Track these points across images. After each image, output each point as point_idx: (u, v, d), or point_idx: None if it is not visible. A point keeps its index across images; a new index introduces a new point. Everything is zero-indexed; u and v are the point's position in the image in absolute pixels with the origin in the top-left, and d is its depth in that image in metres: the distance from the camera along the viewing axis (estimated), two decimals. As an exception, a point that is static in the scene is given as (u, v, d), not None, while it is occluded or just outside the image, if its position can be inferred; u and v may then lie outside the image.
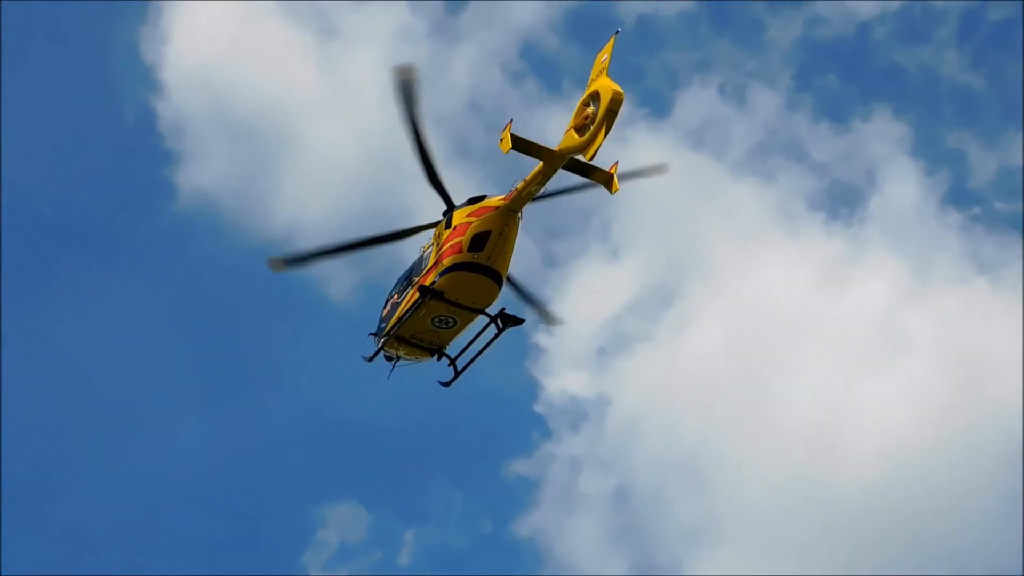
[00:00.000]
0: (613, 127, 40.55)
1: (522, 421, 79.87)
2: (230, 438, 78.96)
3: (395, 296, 45.66)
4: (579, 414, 78.66)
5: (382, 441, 79.74)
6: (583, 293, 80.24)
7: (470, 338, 45.23)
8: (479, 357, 45.33)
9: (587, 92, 40.91)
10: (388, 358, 46.46)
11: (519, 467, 78.66)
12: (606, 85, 40.34)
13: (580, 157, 41.41)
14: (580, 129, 40.82)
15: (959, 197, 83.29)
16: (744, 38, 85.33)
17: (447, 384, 45.98)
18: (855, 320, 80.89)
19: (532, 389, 79.33)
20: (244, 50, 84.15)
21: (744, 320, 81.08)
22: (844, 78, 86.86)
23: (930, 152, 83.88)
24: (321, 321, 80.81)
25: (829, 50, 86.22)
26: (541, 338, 79.14)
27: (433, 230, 44.68)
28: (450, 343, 45.45)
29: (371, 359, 46.15)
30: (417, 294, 43.80)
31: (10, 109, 79.87)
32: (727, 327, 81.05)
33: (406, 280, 45.40)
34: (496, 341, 44.78)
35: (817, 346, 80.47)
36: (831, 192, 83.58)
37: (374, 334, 46.13)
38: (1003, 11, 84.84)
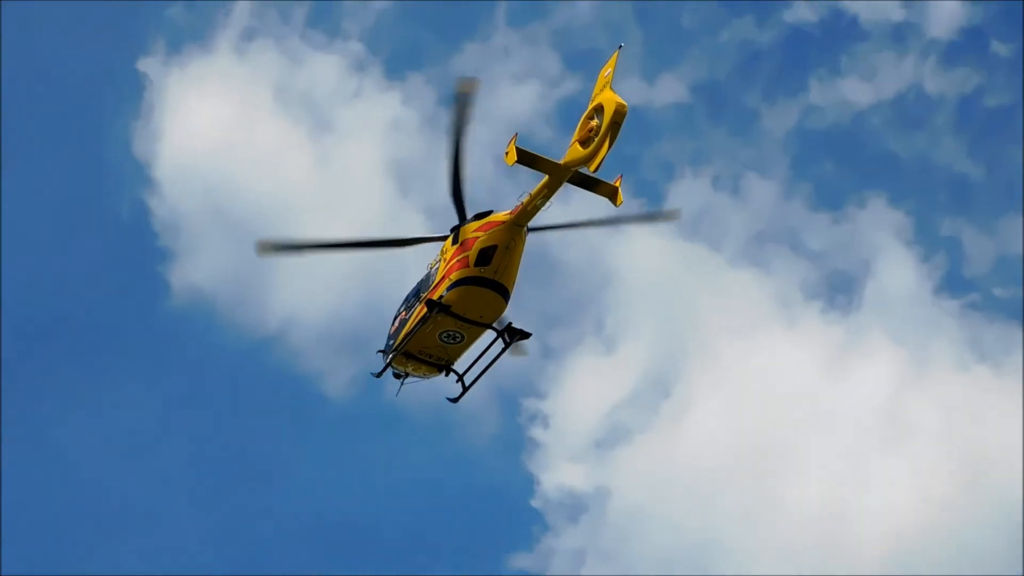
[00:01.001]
0: (616, 139, 41.33)
1: (520, 516, 79.47)
2: (227, 535, 78.36)
3: (403, 312, 46.09)
4: (578, 507, 78.23)
5: (381, 539, 79.21)
6: (579, 386, 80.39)
7: (477, 354, 45.63)
8: (486, 372, 45.77)
9: (591, 105, 41.77)
10: (396, 375, 46.78)
11: (520, 562, 78.07)
12: (610, 98, 41.18)
13: (585, 170, 42.12)
14: (584, 142, 41.59)
15: (956, 284, 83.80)
16: (738, 128, 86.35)
17: (455, 400, 46.35)
18: (856, 409, 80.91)
19: (528, 484, 79.10)
20: (238, 145, 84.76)
21: (744, 410, 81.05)
22: (840, 166, 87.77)
23: (927, 239, 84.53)
24: (317, 417, 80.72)
25: (825, 139, 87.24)
26: (537, 432, 79.25)
27: (440, 245, 45.22)
28: (458, 359, 45.78)
29: (379, 375, 46.49)
30: (425, 309, 44.15)
31: (3, 203, 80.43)
32: (727, 417, 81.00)
33: (414, 296, 45.88)
34: (503, 356, 45.25)
35: (818, 435, 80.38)
36: (829, 281, 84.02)
37: (382, 351, 46.50)
38: (999, 98, 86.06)
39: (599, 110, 41.30)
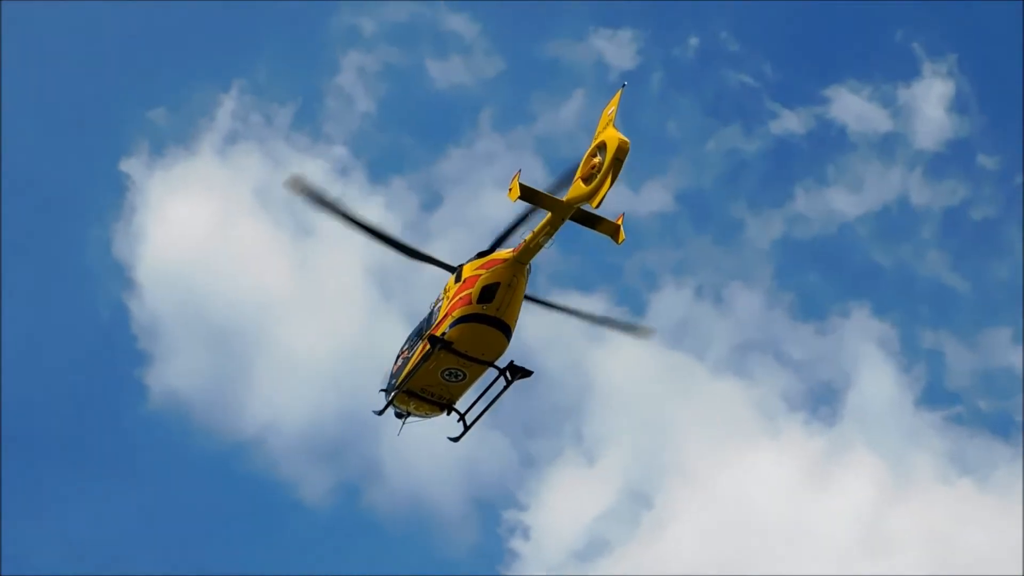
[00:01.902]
0: (619, 176, 41.57)
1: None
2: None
3: (405, 351, 45.97)
4: (558, 619, 77.36)
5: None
6: (560, 498, 79.88)
7: (479, 393, 45.47)
8: (488, 411, 45.52)
9: (594, 143, 42.07)
10: (398, 414, 46.58)
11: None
12: (612, 135, 41.52)
13: (587, 207, 42.26)
14: (587, 179, 41.82)
15: (939, 397, 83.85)
16: (723, 238, 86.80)
17: (456, 439, 46.10)
18: (838, 522, 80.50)
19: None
20: (219, 248, 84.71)
21: (726, 523, 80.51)
22: (825, 276, 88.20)
23: (910, 351, 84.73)
24: (295, 525, 79.88)
25: (810, 249, 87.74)
26: (517, 544, 78.48)
27: (444, 275, 45.15)
28: (460, 398, 45.56)
29: (380, 413, 46.24)
30: (427, 345, 44.06)
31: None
32: (709, 530, 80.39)
33: (416, 335, 45.87)
34: (504, 394, 44.98)
35: (800, 548, 79.85)
36: (812, 391, 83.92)
37: (384, 390, 46.13)
38: (985, 211, 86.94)
39: (602, 147, 41.58)
